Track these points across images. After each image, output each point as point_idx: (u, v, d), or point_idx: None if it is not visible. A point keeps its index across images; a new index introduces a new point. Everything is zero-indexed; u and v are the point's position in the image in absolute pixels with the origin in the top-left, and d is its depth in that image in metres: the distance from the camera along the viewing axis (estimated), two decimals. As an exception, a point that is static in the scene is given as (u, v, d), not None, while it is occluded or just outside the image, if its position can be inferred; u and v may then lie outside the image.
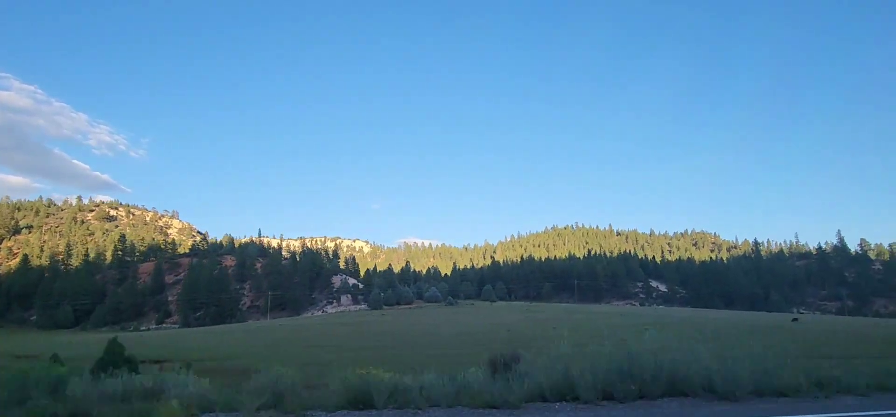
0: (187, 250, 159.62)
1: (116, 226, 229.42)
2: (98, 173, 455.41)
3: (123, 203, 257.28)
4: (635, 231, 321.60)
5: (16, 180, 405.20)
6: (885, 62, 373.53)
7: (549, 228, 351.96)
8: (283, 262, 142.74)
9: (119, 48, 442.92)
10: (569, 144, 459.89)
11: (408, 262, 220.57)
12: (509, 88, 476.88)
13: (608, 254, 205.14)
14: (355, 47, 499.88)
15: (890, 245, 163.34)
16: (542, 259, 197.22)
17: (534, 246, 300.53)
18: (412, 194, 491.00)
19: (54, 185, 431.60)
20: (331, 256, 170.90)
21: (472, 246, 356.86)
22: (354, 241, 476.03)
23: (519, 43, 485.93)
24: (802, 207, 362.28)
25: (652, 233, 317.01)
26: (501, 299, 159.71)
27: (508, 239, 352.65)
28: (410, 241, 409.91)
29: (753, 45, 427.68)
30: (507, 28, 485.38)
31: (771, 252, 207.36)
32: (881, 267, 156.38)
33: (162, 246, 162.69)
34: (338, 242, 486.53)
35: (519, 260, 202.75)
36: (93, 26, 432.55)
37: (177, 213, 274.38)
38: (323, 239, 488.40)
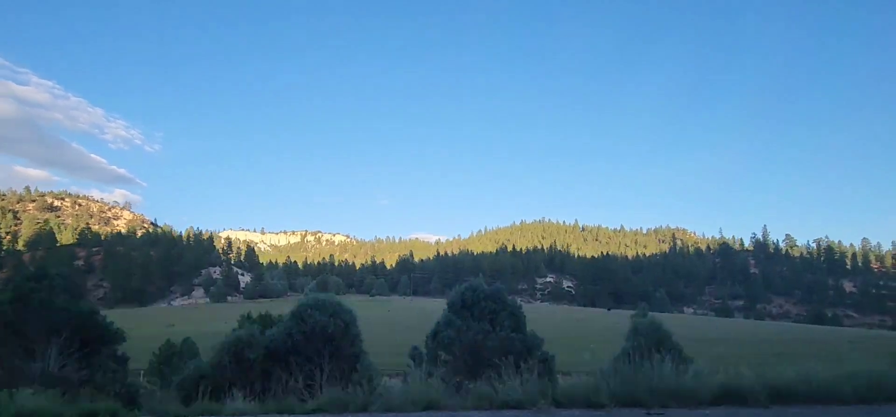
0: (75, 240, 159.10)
1: (57, 216, 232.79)
2: (115, 167, 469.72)
3: (72, 193, 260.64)
4: (599, 227, 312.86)
5: (36, 172, 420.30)
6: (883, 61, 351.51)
7: (516, 222, 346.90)
8: (152, 252, 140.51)
9: (134, 44, 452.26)
10: (569, 142, 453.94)
11: (332, 256, 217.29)
12: (508, 87, 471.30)
13: (568, 250, 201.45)
14: (355, 46, 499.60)
15: (816, 242, 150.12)
16: (454, 254, 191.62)
17: (490, 241, 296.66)
18: (420, 191, 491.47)
19: (72, 178, 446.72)
20: (216, 246, 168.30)
21: (444, 240, 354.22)
22: (334, 235, 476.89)
23: (519, 42, 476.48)
24: (791, 205, 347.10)
25: (621, 229, 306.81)
26: (402, 294, 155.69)
27: (476, 234, 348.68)
28: (420, 236, 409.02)
29: (753, 43, 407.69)
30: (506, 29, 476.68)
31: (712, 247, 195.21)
32: (798, 264, 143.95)
33: (54, 234, 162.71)
34: (318, 235, 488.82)
35: (442, 254, 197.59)
36: (108, 23, 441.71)
37: (130, 204, 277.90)
38: (303, 232, 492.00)
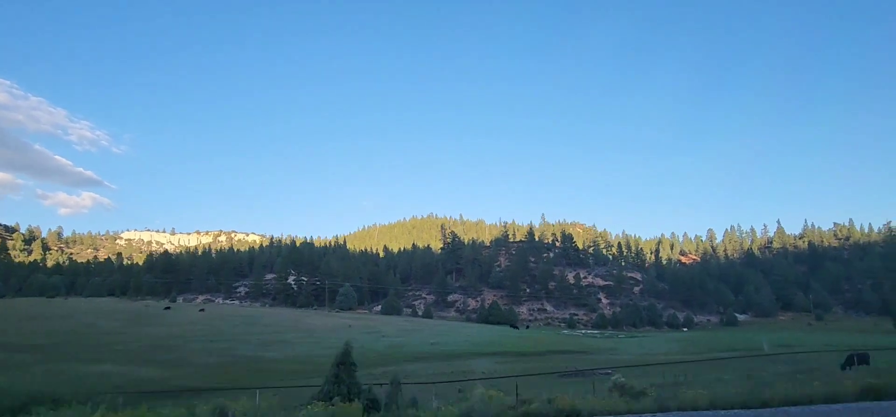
0: None
1: None
2: (81, 169, 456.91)
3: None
4: (462, 219, 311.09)
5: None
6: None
7: (405, 218, 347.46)
8: None
9: (96, 44, 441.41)
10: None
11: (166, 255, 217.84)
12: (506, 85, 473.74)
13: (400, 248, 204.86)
14: (350, 46, 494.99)
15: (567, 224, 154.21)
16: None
17: (364, 239, 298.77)
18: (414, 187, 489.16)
19: (37, 181, 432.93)
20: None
21: (328, 238, 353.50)
22: (248, 235, 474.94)
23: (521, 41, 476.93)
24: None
25: (546, 222, 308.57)
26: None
27: (359, 231, 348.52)
28: (323, 235, 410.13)
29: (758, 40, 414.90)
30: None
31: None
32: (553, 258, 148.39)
33: None
34: (231, 235, 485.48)
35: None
36: (67, 23, 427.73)
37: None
38: (217, 232, 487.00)
